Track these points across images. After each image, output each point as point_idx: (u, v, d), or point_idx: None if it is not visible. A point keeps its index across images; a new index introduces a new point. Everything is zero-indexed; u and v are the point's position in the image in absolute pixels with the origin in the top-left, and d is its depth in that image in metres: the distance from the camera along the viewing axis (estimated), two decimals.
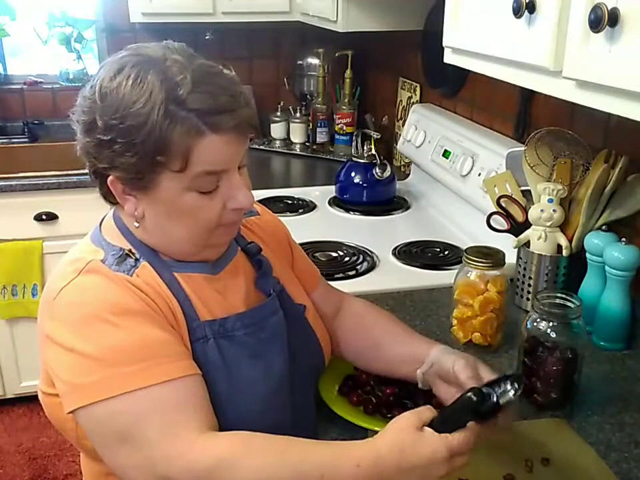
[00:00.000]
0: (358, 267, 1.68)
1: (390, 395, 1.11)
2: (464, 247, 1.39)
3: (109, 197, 0.92)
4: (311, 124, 2.86)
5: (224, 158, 0.86)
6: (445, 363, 0.99)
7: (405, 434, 0.80)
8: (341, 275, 1.63)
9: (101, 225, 0.97)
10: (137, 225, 0.90)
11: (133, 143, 0.82)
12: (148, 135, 0.81)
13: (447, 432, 0.79)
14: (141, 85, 0.82)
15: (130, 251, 0.91)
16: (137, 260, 0.90)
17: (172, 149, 0.82)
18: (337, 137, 2.80)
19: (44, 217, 2.47)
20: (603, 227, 1.34)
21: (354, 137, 2.20)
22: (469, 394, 0.81)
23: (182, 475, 0.79)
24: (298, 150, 2.90)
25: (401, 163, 2.63)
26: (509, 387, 0.84)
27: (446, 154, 2.02)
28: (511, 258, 1.40)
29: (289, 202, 2.19)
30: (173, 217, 0.88)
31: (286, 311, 1.01)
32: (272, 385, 0.94)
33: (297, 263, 1.16)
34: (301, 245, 1.80)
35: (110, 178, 0.87)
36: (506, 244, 1.43)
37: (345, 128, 2.76)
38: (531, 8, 0.93)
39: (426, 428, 0.80)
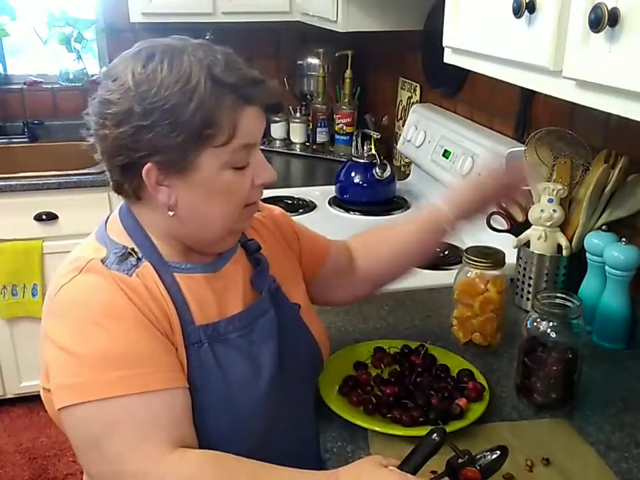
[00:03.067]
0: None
1: (390, 395, 1.11)
2: (464, 247, 1.39)
3: (138, 191, 0.90)
4: (310, 124, 2.86)
5: (257, 130, 0.91)
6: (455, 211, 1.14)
7: (366, 464, 0.85)
8: None
9: (106, 223, 0.97)
10: (171, 213, 0.90)
11: (178, 121, 0.83)
12: (194, 112, 0.83)
13: (410, 470, 0.83)
14: (178, 67, 0.84)
15: (132, 249, 0.91)
16: (138, 259, 0.90)
17: (220, 122, 0.85)
18: (337, 137, 2.80)
19: (44, 216, 2.46)
20: (603, 227, 1.34)
21: (354, 137, 2.20)
22: (434, 435, 0.85)
23: None
24: (298, 150, 2.90)
25: (400, 163, 2.63)
26: (493, 454, 0.87)
27: (446, 154, 2.01)
28: (510, 258, 1.40)
29: (289, 202, 2.19)
30: (210, 198, 0.89)
31: (281, 310, 1.01)
32: (264, 386, 0.94)
33: (306, 246, 1.16)
34: None
35: (147, 166, 0.85)
36: (506, 244, 1.43)
37: (345, 128, 2.76)
38: (531, 8, 0.93)
39: (390, 467, 0.84)
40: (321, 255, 1.17)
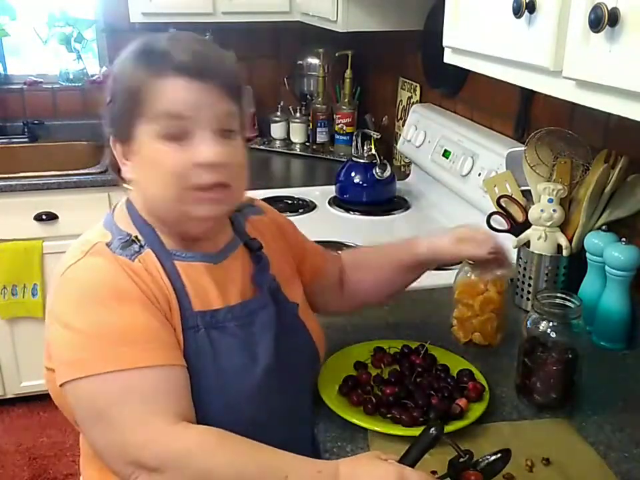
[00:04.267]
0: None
1: (390, 394, 1.11)
2: None
3: (121, 171, 0.98)
4: (311, 124, 2.86)
5: (185, 100, 0.89)
6: (438, 257, 1.23)
7: (365, 457, 0.88)
8: None
9: (114, 211, 1.01)
10: (131, 187, 0.96)
11: (116, 95, 0.93)
12: (123, 83, 0.92)
13: (408, 464, 0.84)
14: (129, 50, 0.94)
15: (136, 237, 0.95)
16: (141, 246, 0.94)
17: (141, 92, 0.90)
18: (337, 137, 2.80)
19: (44, 216, 2.46)
20: (603, 227, 1.34)
21: (354, 137, 2.20)
22: (431, 429, 0.86)
23: (153, 461, 0.82)
24: (298, 150, 2.90)
25: (401, 162, 2.63)
26: (492, 456, 0.88)
27: (446, 154, 2.01)
28: (510, 258, 1.40)
29: (289, 202, 2.19)
30: (148, 170, 0.93)
31: (280, 308, 1.04)
32: (258, 377, 0.95)
33: (309, 256, 1.19)
34: None
35: (111, 139, 0.95)
36: (506, 244, 1.43)
37: (345, 128, 2.76)
38: (531, 8, 0.93)
39: (390, 460, 0.85)
40: (320, 267, 1.21)
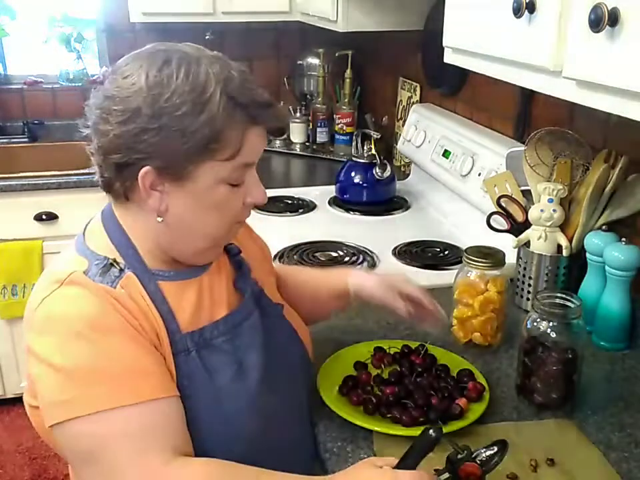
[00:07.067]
0: (358, 267, 1.68)
1: (390, 394, 1.11)
2: (464, 247, 1.39)
3: (129, 192, 0.89)
4: (310, 124, 2.86)
5: (259, 151, 0.92)
6: (362, 293, 1.16)
7: (362, 466, 0.86)
8: None
9: (84, 232, 0.96)
10: (160, 219, 0.89)
11: (186, 130, 0.83)
12: (204, 124, 0.83)
13: (405, 468, 0.83)
14: (194, 77, 0.84)
15: (114, 260, 0.89)
16: (121, 270, 0.89)
17: (227, 138, 0.85)
18: (337, 136, 2.80)
19: (44, 216, 2.47)
20: (603, 227, 1.34)
21: (354, 137, 2.20)
22: (430, 431, 0.84)
23: None
24: (298, 150, 2.90)
25: (401, 162, 2.63)
26: (492, 449, 0.87)
27: (446, 154, 2.01)
28: (511, 258, 1.40)
29: (289, 202, 2.19)
30: (201, 210, 0.89)
31: (266, 311, 1.03)
32: (253, 387, 0.94)
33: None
34: (301, 244, 1.81)
35: (145, 169, 0.84)
36: (506, 244, 1.43)
37: (345, 128, 2.76)
38: (531, 8, 0.93)
39: (385, 467, 0.84)
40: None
